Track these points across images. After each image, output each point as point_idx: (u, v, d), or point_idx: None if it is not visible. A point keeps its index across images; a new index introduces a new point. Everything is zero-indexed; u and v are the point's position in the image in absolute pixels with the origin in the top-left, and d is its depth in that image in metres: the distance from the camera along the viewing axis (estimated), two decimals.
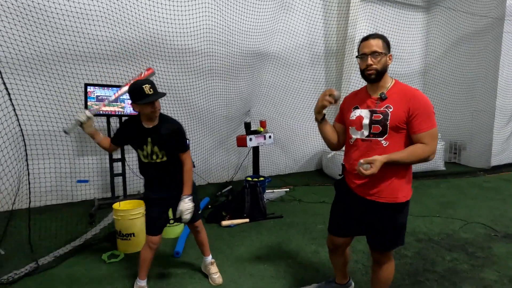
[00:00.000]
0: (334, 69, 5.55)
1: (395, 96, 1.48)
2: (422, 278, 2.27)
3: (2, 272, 2.33)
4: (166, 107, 4.32)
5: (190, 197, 1.97)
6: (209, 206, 3.76)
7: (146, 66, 4.00)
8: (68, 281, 2.28)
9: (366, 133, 1.53)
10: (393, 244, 1.62)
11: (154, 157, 1.93)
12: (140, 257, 2.04)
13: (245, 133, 4.20)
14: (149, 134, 1.89)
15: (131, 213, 2.66)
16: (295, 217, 3.52)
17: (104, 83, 3.71)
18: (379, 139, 1.49)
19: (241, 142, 4.07)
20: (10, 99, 2.33)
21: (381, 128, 1.48)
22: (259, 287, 2.18)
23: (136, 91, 1.79)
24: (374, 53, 1.48)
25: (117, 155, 3.73)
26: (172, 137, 1.93)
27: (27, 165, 2.49)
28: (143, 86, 1.77)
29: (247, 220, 3.36)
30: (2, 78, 2.31)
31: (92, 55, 3.72)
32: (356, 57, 1.57)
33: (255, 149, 4.38)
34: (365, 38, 1.53)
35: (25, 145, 2.48)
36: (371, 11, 5.55)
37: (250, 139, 4.08)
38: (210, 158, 4.82)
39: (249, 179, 3.89)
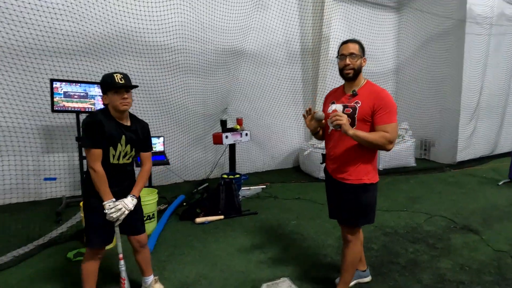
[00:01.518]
0: (310, 67, 5.64)
1: (364, 94, 1.74)
2: (385, 269, 2.38)
3: None
4: (140, 104, 4.24)
5: (135, 199, 1.81)
6: (184, 204, 3.74)
7: (115, 62, 3.89)
8: (27, 279, 2.21)
9: None
10: (358, 220, 1.82)
11: (122, 157, 1.80)
12: (83, 272, 1.82)
13: (221, 131, 4.19)
14: (124, 132, 1.77)
15: None
16: (270, 214, 3.57)
17: (72, 79, 3.58)
18: None
19: (217, 139, 4.06)
20: None
21: (350, 120, 1.70)
22: (229, 282, 2.21)
23: (105, 80, 1.69)
24: (351, 55, 1.73)
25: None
26: (146, 138, 1.90)
27: None
28: (114, 74, 1.69)
29: (222, 217, 3.38)
30: None
31: (59, 50, 3.58)
32: (336, 57, 1.83)
33: (232, 147, 4.39)
34: (345, 42, 1.79)
35: None
36: (345, 11, 5.68)
37: (226, 137, 4.09)
38: (186, 156, 4.78)
39: (225, 176, 3.90)
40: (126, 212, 1.75)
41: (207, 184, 4.36)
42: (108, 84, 1.68)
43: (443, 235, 2.98)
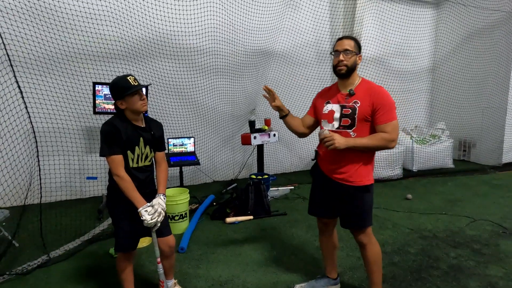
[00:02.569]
0: None
1: (362, 93, 1.68)
2: (425, 274, 2.26)
3: (16, 264, 2.45)
4: (172, 105, 4.40)
5: (165, 197, 1.79)
6: (214, 204, 3.80)
7: (151, 64, 4.06)
8: (76, 273, 2.36)
9: (336, 125, 1.74)
10: (364, 223, 1.77)
11: (143, 159, 1.77)
12: (120, 274, 1.83)
13: (249, 131, 4.22)
14: (141, 133, 1.74)
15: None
16: (299, 215, 3.53)
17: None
18: (348, 130, 1.70)
19: (246, 140, 4.10)
20: (22, 97, 2.42)
21: (350, 121, 1.69)
22: (262, 282, 2.21)
23: (121, 85, 1.64)
24: (346, 51, 1.67)
25: None
26: (160, 137, 1.88)
27: (38, 161, 2.58)
28: (127, 77, 1.65)
29: (251, 217, 3.38)
30: (15, 76, 2.39)
31: (100, 54, 3.80)
32: (330, 53, 1.76)
33: (260, 147, 4.41)
34: (340, 38, 1.74)
35: (36, 142, 2.57)
36: (378, 9, 5.50)
37: (255, 137, 4.11)
38: (216, 156, 4.87)
39: (253, 176, 3.91)
40: (163, 213, 1.72)
41: (235, 184, 4.40)
42: (125, 88, 1.63)
43: (490, 241, 2.77)
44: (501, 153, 5.67)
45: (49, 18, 3.29)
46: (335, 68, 1.71)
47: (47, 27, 3.26)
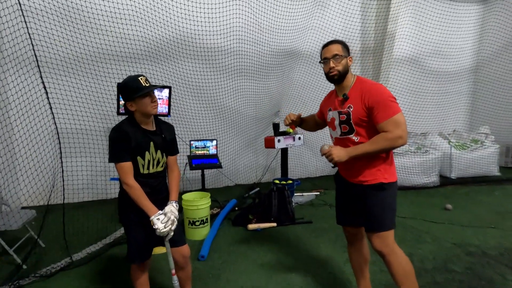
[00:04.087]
0: (371, 67, 5.22)
1: (355, 95, 1.61)
2: None
3: (41, 265, 2.46)
4: (194, 106, 4.34)
5: (177, 204, 1.68)
6: (236, 208, 3.67)
7: (175, 65, 4.03)
8: (97, 278, 2.31)
9: (339, 132, 1.70)
10: (379, 225, 1.63)
11: (155, 165, 1.67)
12: (135, 285, 1.75)
13: (273, 134, 4.06)
14: (151, 137, 1.63)
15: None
16: (326, 223, 3.29)
17: None
18: (350, 136, 1.65)
19: (269, 143, 3.88)
20: (48, 98, 2.44)
21: (348, 127, 1.64)
22: None
23: (132, 85, 1.55)
24: (335, 56, 1.62)
25: None
26: (172, 140, 1.77)
27: (61, 162, 2.58)
28: (139, 78, 1.56)
29: (274, 224, 3.21)
30: (41, 77, 2.42)
31: (124, 55, 3.81)
32: (319, 62, 1.72)
33: (284, 151, 4.22)
34: (326, 45, 1.68)
35: (59, 142, 2.58)
36: (415, 6, 5.13)
37: (279, 141, 3.86)
38: (238, 159, 4.75)
39: (277, 181, 3.73)
40: (176, 221, 1.60)
41: (258, 188, 4.24)
42: (135, 89, 1.54)
43: None
44: None
45: (75, 19, 3.35)
46: (328, 76, 1.67)
47: (73, 27, 3.32)
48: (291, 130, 4.39)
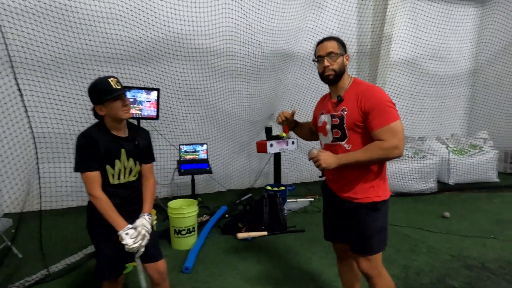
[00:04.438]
0: (367, 69, 5.11)
1: (350, 97, 1.47)
2: None
3: (16, 277, 2.30)
4: (185, 110, 4.21)
5: (150, 217, 1.56)
6: (226, 216, 3.53)
7: (163, 67, 3.89)
8: None
9: (330, 138, 1.54)
10: (369, 249, 1.49)
11: (127, 174, 1.54)
12: None
13: (265, 139, 3.93)
14: (122, 144, 1.51)
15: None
16: (319, 232, 3.10)
17: (123, 84, 3.65)
18: (341, 143, 1.49)
19: (261, 148, 3.80)
20: (22, 100, 2.30)
21: (340, 133, 1.49)
22: None
23: (101, 88, 1.42)
24: (330, 54, 1.48)
25: None
26: (147, 147, 1.63)
27: (38, 168, 2.44)
28: (109, 80, 1.44)
29: (265, 233, 3.07)
30: (15, 78, 2.28)
31: (108, 56, 3.67)
32: (313, 60, 1.56)
33: (277, 156, 4.10)
34: (320, 42, 1.53)
35: (36, 147, 2.44)
36: (412, 8, 5.04)
37: (271, 145, 3.80)
38: (231, 164, 4.62)
39: (269, 188, 3.60)
40: (148, 236, 1.48)
41: (250, 195, 4.11)
42: (105, 91, 1.42)
43: None
44: None
45: (53, 17, 3.19)
46: (322, 76, 1.52)
47: (51, 26, 3.15)
48: (284, 134, 4.25)
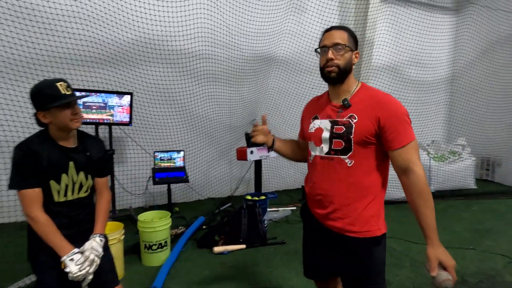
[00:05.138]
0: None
1: (361, 103, 1.21)
2: None
3: None
4: (160, 115, 3.99)
5: (103, 239, 1.39)
6: (204, 227, 3.35)
7: (137, 70, 3.68)
8: None
9: (326, 149, 1.25)
10: None
11: (76, 190, 1.36)
12: None
13: (246, 145, 3.79)
14: (70, 156, 1.33)
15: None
16: (300, 244, 3.01)
17: (92, 88, 3.42)
18: (341, 157, 1.21)
19: (241, 155, 3.66)
20: None
21: (344, 144, 1.20)
22: None
23: (47, 92, 1.24)
24: (336, 46, 1.20)
25: None
26: (102, 159, 1.46)
27: None
28: (57, 84, 1.26)
29: (243, 246, 2.92)
30: None
31: (79, 58, 3.43)
32: (315, 50, 1.28)
33: (258, 163, 3.96)
34: (328, 30, 1.26)
35: None
36: (393, 13, 5.05)
37: (251, 152, 3.67)
38: (210, 171, 4.44)
39: (249, 197, 3.45)
40: (98, 261, 1.31)
41: (230, 204, 3.95)
42: (52, 97, 1.23)
43: None
44: None
45: (17, 17, 2.95)
46: (323, 70, 1.23)
47: (15, 27, 2.91)
48: None
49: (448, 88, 5.95)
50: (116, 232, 2.30)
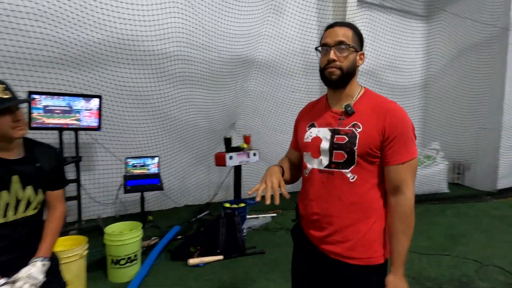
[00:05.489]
0: None
1: (366, 111, 1.08)
2: None
3: None
4: (133, 119, 3.77)
5: (47, 263, 1.19)
6: (179, 237, 3.18)
7: (105, 72, 3.45)
8: None
9: (325, 161, 1.09)
10: None
11: (22, 208, 1.18)
12: None
13: (225, 150, 3.67)
14: (14, 169, 1.16)
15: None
16: (280, 253, 2.96)
17: (55, 91, 3.15)
18: (343, 171, 1.06)
19: (220, 160, 3.54)
20: None
21: (346, 156, 1.05)
22: None
23: None
24: (339, 45, 1.05)
25: (68, 176, 3.13)
26: (54, 170, 1.28)
27: None
28: None
29: (221, 257, 2.80)
30: None
31: (41, 59, 3.15)
32: (316, 49, 1.12)
33: (237, 169, 3.85)
34: (330, 26, 1.11)
35: None
36: (369, 17, 5.13)
37: (230, 157, 3.56)
38: (188, 177, 4.26)
39: (227, 205, 3.33)
40: (33, 284, 1.10)
41: (208, 211, 3.80)
42: None
43: None
44: (496, 178, 5.31)
45: None
46: (323, 72, 1.09)
47: None
48: (245, 145, 4.03)
49: (422, 93, 6.14)
50: (78, 248, 2.10)
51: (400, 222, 1.04)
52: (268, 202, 1.01)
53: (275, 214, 4.03)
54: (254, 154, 3.92)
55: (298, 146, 1.24)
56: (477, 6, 5.27)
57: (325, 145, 1.09)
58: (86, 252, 2.19)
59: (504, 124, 5.25)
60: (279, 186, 1.07)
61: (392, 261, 1.05)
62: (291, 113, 4.86)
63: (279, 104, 4.76)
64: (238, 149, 3.73)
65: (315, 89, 5.08)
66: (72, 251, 2.06)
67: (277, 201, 1.03)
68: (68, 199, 3.06)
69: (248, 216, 3.61)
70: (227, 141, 3.69)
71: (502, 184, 5.34)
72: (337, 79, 1.07)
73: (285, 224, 3.70)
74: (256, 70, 4.48)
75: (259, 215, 3.90)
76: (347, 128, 1.06)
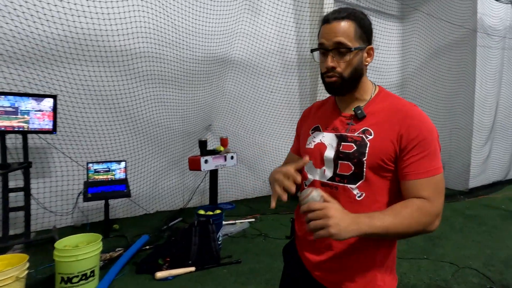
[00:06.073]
0: (308, 78, 4.99)
1: (380, 115, 0.90)
2: None
3: None
4: (96, 120, 3.44)
5: None
6: (147, 247, 2.93)
7: (63, 69, 3.12)
8: None
9: (329, 173, 0.91)
10: None
11: None
12: None
13: (199, 153, 3.46)
14: None
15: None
16: (258, 262, 2.79)
17: (9, 90, 2.80)
18: (349, 186, 0.88)
19: (194, 164, 3.33)
20: None
21: (353, 168, 0.87)
22: None
23: None
24: (338, 48, 0.87)
25: (17, 183, 2.80)
26: None
27: None
28: None
29: (193, 269, 2.58)
30: None
31: None
32: (312, 51, 0.95)
33: (213, 173, 3.65)
34: (326, 19, 0.90)
35: None
36: None
37: (206, 161, 3.35)
38: (159, 182, 4.00)
39: (202, 212, 3.12)
40: None
41: (181, 218, 3.57)
42: None
43: None
44: (468, 177, 5.46)
45: None
46: (323, 79, 0.93)
47: None
48: (222, 148, 3.81)
49: (399, 93, 6.22)
50: (13, 269, 1.80)
51: (409, 208, 0.80)
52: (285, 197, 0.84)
53: (253, 220, 3.86)
54: (232, 157, 3.73)
55: (300, 152, 1.06)
56: (447, 7, 5.39)
57: (329, 153, 0.91)
58: (25, 272, 1.90)
59: (475, 124, 5.40)
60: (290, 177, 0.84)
61: (370, 215, 0.79)
62: (270, 113, 4.72)
63: (258, 105, 4.61)
64: (214, 152, 3.53)
65: (295, 90, 4.97)
66: (4, 273, 1.76)
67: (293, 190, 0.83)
68: (14, 209, 2.71)
69: (224, 222, 3.42)
70: (202, 143, 3.48)
71: (473, 183, 5.50)
72: (338, 87, 0.91)
73: (262, 230, 3.55)
74: (233, 69, 4.30)
75: (236, 221, 3.71)
76: (356, 134, 0.89)
